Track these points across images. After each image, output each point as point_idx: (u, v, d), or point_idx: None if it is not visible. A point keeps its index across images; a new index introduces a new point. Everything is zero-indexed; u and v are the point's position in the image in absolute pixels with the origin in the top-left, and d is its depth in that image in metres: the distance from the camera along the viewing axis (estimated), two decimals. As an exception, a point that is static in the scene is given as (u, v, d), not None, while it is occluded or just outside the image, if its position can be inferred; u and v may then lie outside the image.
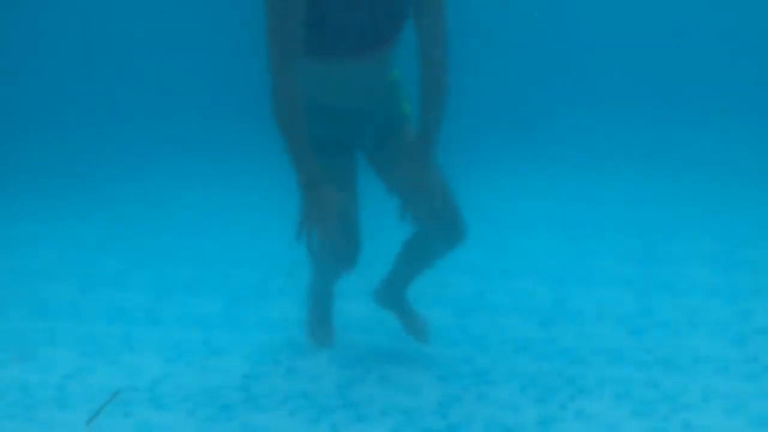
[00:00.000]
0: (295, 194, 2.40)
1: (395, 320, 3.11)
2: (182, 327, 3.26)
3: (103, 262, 3.99)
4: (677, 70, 6.24)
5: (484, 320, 3.23)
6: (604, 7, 6.51)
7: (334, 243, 2.36)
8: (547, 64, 6.36)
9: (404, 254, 2.76)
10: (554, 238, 4.16)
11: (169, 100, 6.47)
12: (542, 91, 6.18)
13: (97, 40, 6.88)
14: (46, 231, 4.48)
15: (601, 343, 3.02)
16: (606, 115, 5.93)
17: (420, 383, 2.74)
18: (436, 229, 2.53)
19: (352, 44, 2.28)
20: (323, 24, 2.22)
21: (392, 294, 2.91)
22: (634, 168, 5.19)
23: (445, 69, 2.36)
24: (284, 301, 3.47)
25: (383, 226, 3.22)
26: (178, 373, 2.89)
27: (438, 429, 2.48)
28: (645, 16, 6.39)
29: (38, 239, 4.37)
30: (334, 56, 2.30)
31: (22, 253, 4.17)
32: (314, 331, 3.04)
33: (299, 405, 2.64)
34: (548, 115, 5.98)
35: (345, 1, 2.19)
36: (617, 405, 2.61)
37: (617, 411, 2.58)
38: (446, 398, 2.67)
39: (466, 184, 3.85)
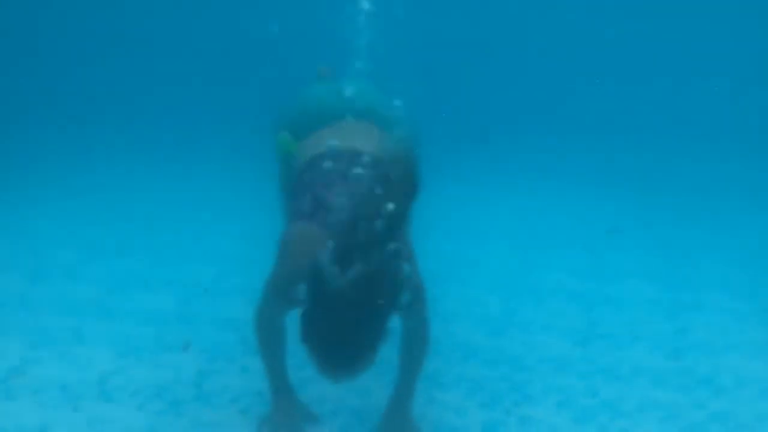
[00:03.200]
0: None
1: None
2: (134, 322, 3.24)
3: (54, 254, 3.93)
4: (627, 93, 6.48)
5: (436, 326, 3.25)
6: (562, 31, 6.71)
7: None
8: (505, 83, 6.52)
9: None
10: (506, 249, 4.28)
11: (129, 95, 6.39)
12: (501, 108, 6.34)
13: (62, 31, 6.76)
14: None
15: (546, 352, 3.13)
16: (559, 134, 6.11)
17: (370, 385, 2.80)
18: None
19: None
20: None
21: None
22: (583, 185, 5.36)
23: (425, 350, 2.48)
24: (238, 299, 3.48)
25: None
26: (129, 367, 2.88)
27: (387, 430, 2.54)
28: (601, 42, 6.62)
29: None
30: None
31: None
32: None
33: (251, 403, 2.67)
34: (506, 130, 6.12)
35: None
36: (559, 412, 2.71)
37: (559, 418, 2.68)
38: (396, 400, 2.72)
39: (426, 195, 3.94)
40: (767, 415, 2.72)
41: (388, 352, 2.58)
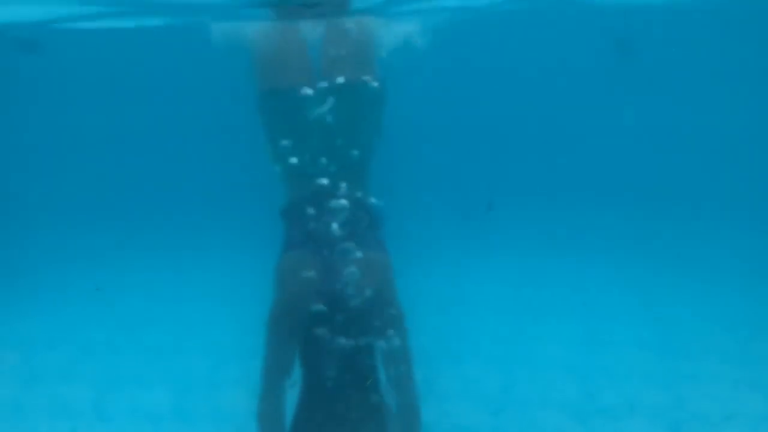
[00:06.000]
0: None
1: None
2: (131, 421, 3.21)
3: (47, 355, 3.88)
4: (613, 160, 6.59)
5: (435, 408, 3.28)
6: (535, 101, 6.88)
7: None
8: (490, 157, 6.63)
9: None
10: (500, 322, 4.28)
11: (110, 188, 6.41)
12: (483, 181, 6.43)
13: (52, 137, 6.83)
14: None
15: (545, 429, 3.12)
16: (550, 204, 6.18)
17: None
18: None
19: None
20: None
21: None
22: (576, 256, 5.39)
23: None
24: (235, 390, 3.46)
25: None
26: (127, 471, 2.84)
27: None
28: (577, 111, 6.80)
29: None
30: None
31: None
32: None
33: (253, 502, 2.62)
34: (496, 203, 6.18)
35: None
36: (564, 493, 2.69)
37: (564, 499, 2.66)
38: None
39: (415, 269, 3.97)
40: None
41: None
